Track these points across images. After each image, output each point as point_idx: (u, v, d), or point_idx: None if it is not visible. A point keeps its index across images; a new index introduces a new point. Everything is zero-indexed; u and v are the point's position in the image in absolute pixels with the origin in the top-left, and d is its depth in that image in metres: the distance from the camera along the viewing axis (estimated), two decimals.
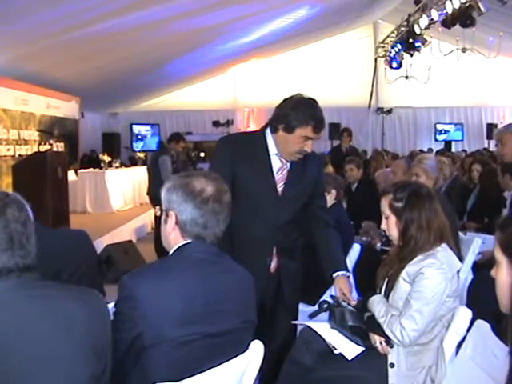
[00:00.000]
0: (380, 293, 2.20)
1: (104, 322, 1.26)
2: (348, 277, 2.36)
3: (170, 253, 1.55)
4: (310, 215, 2.41)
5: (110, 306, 1.47)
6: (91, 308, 1.23)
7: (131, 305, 1.38)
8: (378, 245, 3.85)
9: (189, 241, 1.52)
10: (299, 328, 2.48)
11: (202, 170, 1.64)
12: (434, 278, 1.97)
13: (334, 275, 2.34)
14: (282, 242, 2.31)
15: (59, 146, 9.37)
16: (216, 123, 13.80)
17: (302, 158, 2.25)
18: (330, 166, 7.44)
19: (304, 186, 2.33)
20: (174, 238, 1.54)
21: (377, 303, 2.13)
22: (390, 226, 2.16)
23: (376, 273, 2.28)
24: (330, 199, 3.47)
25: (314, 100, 2.23)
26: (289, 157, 2.26)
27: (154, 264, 1.59)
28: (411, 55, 11.06)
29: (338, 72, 14.09)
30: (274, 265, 2.34)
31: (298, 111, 2.18)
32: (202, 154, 11.99)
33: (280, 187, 2.28)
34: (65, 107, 9.96)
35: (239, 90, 14.57)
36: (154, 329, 1.37)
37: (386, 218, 2.17)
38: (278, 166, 2.28)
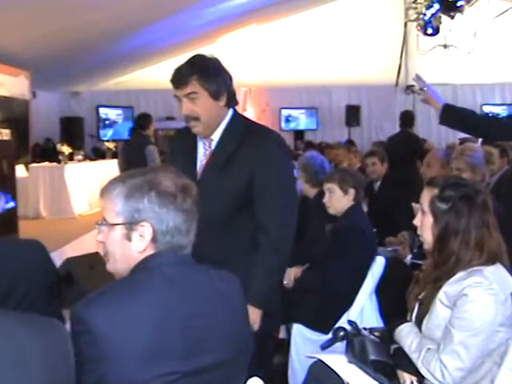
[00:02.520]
0: (411, 319, 2.19)
1: (65, 358, 1.24)
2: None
3: (131, 269, 1.53)
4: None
5: None
6: (48, 340, 1.21)
7: (87, 341, 1.36)
8: (408, 257, 3.86)
9: (152, 251, 1.50)
10: (309, 361, 2.47)
11: (156, 164, 1.63)
12: (482, 302, 1.96)
13: None
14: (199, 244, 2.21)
15: (4, 134, 9.34)
16: None
17: (196, 126, 2.29)
18: (352, 158, 7.43)
19: (226, 181, 2.25)
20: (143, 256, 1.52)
21: (407, 333, 2.12)
22: (425, 225, 2.16)
23: (405, 293, 2.28)
24: (348, 200, 3.48)
25: (203, 56, 2.32)
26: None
27: (111, 286, 1.54)
28: (452, 18, 11.00)
29: (357, 41, 14.08)
30: None
31: None
32: None
33: (199, 176, 2.33)
34: (10, 84, 9.95)
35: (233, 65, 14.41)
36: (118, 370, 1.35)
37: (423, 213, 2.17)
38: (202, 152, 2.39)
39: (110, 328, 1.36)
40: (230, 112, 2.36)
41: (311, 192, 4.22)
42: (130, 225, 1.49)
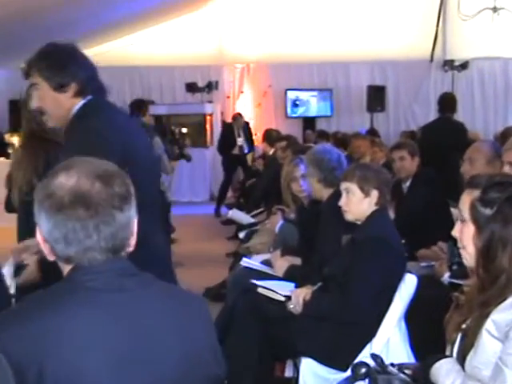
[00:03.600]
0: (451, 354, 2.19)
1: None
2: None
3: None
4: None
5: None
6: None
7: None
8: (446, 276, 3.84)
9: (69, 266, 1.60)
10: None
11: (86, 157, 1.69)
12: None
13: None
14: None
15: None
16: (191, 87, 13.78)
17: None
18: (376, 151, 7.43)
19: None
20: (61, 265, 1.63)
21: (447, 372, 2.12)
22: (466, 236, 2.15)
23: (443, 321, 2.28)
24: (369, 204, 3.46)
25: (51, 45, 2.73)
26: None
27: (23, 304, 1.63)
28: None
29: (381, 6, 14.09)
30: None
31: None
32: (184, 130, 12.04)
33: None
34: None
35: (227, 36, 14.58)
36: None
37: (462, 221, 2.16)
38: None
39: (19, 354, 1.44)
40: (81, 102, 2.70)
41: (324, 193, 4.20)
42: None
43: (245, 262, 4.68)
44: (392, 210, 4.62)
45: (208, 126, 13.50)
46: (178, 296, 1.71)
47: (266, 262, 4.52)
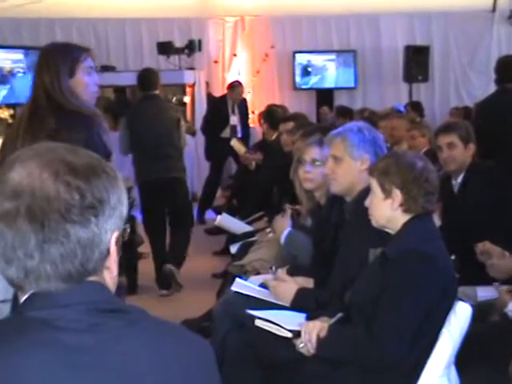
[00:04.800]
0: None
1: None
2: None
3: None
4: None
5: None
6: None
7: None
8: (511, 306, 3.85)
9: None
10: None
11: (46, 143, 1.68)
12: None
13: None
14: None
15: None
16: (165, 48, 13.74)
17: None
18: (416, 135, 7.43)
19: None
20: None
21: None
22: None
23: (509, 367, 2.29)
24: (392, 208, 3.40)
25: None
26: None
27: None
28: None
29: None
30: None
31: None
32: (187, 99, 12.01)
33: None
34: None
35: None
36: None
37: None
38: None
39: None
40: None
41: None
42: None
43: (238, 285, 4.67)
44: (438, 214, 4.62)
45: (189, 102, 13.29)
46: (174, 339, 1.69)
47: (267, 285, 4.51)
